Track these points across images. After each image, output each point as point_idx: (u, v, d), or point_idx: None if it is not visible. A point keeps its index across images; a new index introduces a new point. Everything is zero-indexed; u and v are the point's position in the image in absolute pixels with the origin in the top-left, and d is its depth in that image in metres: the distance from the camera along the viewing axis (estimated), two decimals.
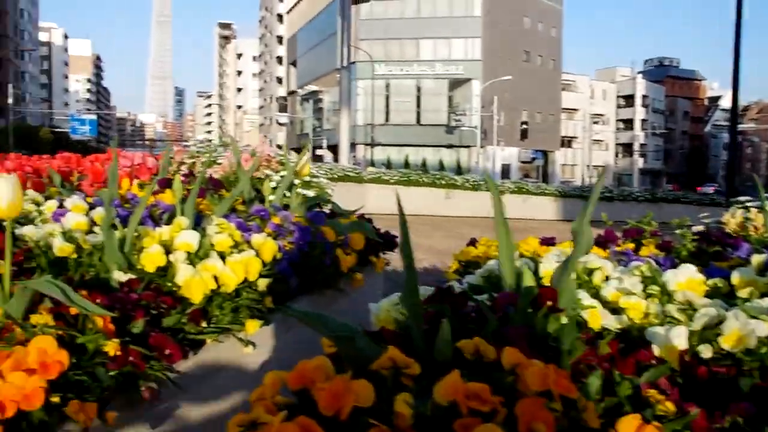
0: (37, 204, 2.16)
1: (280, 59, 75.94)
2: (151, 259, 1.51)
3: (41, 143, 63.97)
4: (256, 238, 1.69)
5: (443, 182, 14.38)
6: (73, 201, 2.08)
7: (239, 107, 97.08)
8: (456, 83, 49.27)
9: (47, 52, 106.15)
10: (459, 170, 40.20)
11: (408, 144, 49.06)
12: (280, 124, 70.15)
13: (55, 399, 1.08)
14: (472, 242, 2.22)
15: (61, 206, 2.10)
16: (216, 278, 1.50)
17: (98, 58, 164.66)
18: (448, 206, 14.09)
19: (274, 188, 2.46)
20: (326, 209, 2.46)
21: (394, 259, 2.70)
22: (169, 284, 1.51)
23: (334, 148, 52.35)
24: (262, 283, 1.62)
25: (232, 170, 4.25)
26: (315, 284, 1.95)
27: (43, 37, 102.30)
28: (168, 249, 1.59)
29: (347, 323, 0.94)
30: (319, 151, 56.24)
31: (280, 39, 76.67)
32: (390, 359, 0.81)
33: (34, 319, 1.18)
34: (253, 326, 1.55)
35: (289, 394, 0.94)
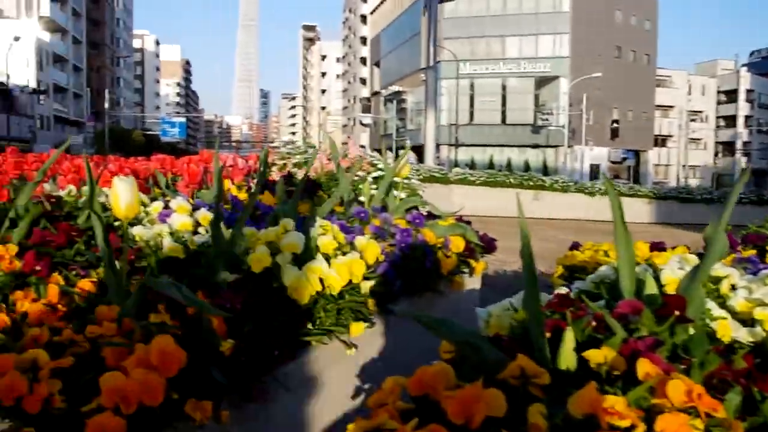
0: (144, 205, 2.25)
1: (363, 60, 76.80)
2: (257, 260, 1.54)
3: (134, 145, 67.53)
4: (360, 240, 1.70)
5: (531, 183, 14.11)
6: (178, 202, 2.16)
7: (323, 108, 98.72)
8: (543, 81, 48.28)
9: (140, 58, 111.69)
10: (545, 171, 39.35)
11: (492, 144, 48.49)
12: (364, 125, 70.85)
13: (175, 396, 1.11)
14: (575, 246, 2.16)
15: (166, 207, 2.19)
16: (321, 280, 1.52)
17: (187, 63, 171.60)
18: (535, 208, 13.81)
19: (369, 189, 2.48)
20: (423, 211, 2.45)
21: (489, 261, 2.67)
22: (276, 285, 1.54)
23: (417, 149, 52.40)
24: (365, 286, 1.63)
25: (324, 171, 4.31)
26: (415, 287, 1.95)
27: (136, 43, 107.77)
28: (273, 250, 1.62)
29: (472, 329, 0.93)
30: (402, 152, 56.38)
31: (363, 40, 77.51)
32: (519, 368, 0.79)
33: (153, 317, 1.23)
34: (357, 328, 1.56)
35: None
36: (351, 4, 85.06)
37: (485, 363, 0.86)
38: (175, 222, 1.97)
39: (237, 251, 1.64)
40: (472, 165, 44.10)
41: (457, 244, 2.15)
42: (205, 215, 2.02)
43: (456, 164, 43.13)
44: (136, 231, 1.86)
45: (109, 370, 1.14)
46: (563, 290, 1.41)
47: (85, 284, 1.46)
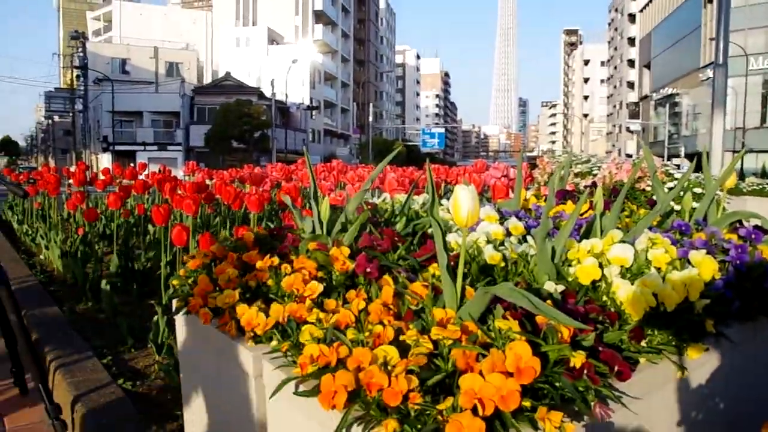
0: (449, 211, 2.36)
1: (631, 62, 73.10)
2: (586, 272, 1.53)
3: (395, 156, 72.12)
4: (695, 255, 1.60)
5: None
6: (486, 211, 2.23)
7: (585, 116, 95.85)
8: None
9: (402, 73, 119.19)
10: None
11: None
12: (630, 132, 67.33)
13: (526, 403, 1.14)
14: None
15: None
16: (655, 295, 1.46)
17: (446, 75, 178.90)
18: None
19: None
20: (748, 225, 2.24)
21: None
22: (605, 299, 1.52)
23: (692, 157, 48.34)
24: (700, 304, 1.53)
25: (612, 181, 4.17)
26: (749, 310, 1.79)
27: (398, 59, 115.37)
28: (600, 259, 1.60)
29: None
30: (675, 161, 52.56)
31: (631, 41, 73.86)
32: None
33: (498, 323, 1.28)
34: (696, 351, 1.47)
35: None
36: (617, 4, 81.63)
37: None
38: (490, 231, 2.04)
39: (560, 261, 1.65)
40: (763, 174, 39.56)
41: None
42: (515, 224, 2.06)
43: (742, 174, 38.77)
44: (451, 238, 1.96)
45: (455, 373, 1.22)
46: None
47: (418, 287, 1.56)
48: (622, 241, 1.68)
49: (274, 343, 1.60)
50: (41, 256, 6.30)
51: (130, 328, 3.46)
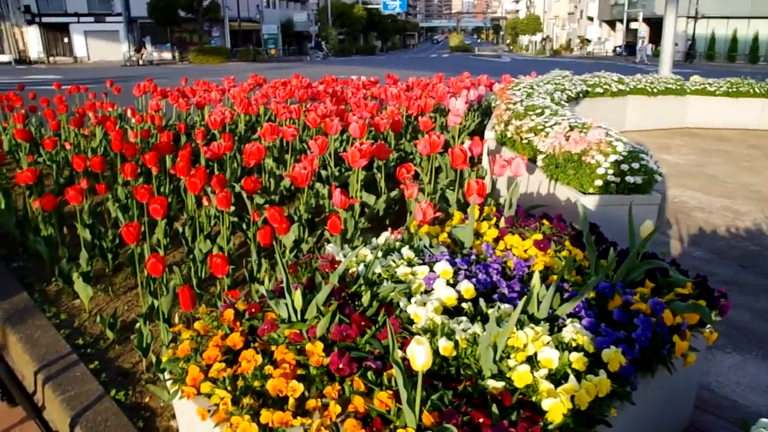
0: (410, 264, 2.68)
1: None
2: (521, 377, 1.91)
3: (355, 20, 70.23)
4: (607, 353, 1.97)
5: None
6: (442, 266, 2.55)
7: None
8: None
9: None
10: None
11: (739, 16, 43.09)
12: None
13: None
14: None
15: (431, 269, 2.58)
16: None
17: None
18: None
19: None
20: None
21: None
22: (534, 398, 1.91)
23: (651, 22, 48.03)
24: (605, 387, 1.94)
25: (561, 151, 4.38)
26: (644, 374, 2.20)
27: None
28: (533, 359, 2.00)
29: None
30: (633, 25, 52.18)
31: None
32: None
33: None
34: None
35: None
36: None
37: None
38: (442, 294, 2.37)
39: (501, 356, 2.04)
40: (711, 40, 40.62)
41: (692, 323, 2.35)
42: (467, 288, 2.38)
43: (692, 41, 39.49)
44: (412, 311, 2.26)
45: None
46: None
47: (383, 396, 1.86)
48: (551, 333, 2.10)
49: None
50: None
51: (110, 325, 3.57)
